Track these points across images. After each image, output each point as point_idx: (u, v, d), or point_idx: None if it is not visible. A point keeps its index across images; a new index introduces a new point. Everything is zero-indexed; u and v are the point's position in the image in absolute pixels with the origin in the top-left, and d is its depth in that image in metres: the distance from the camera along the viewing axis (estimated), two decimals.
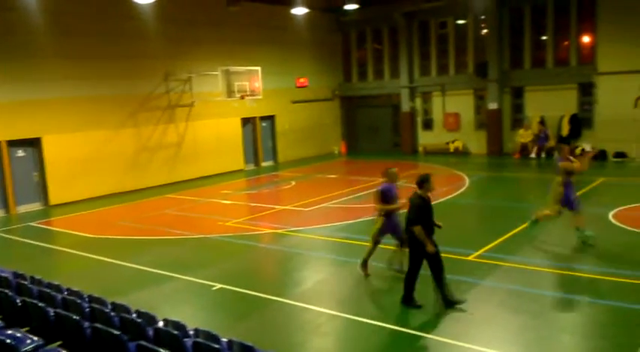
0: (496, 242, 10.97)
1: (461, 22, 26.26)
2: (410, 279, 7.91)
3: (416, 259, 7.82)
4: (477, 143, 25.81)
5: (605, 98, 22.25)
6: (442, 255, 9.20)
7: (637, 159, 21.12)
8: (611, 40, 21.70)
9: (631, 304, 7.71)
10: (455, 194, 16.48)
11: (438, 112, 27.01)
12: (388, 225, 9.04)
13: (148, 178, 20.28)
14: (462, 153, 25.73)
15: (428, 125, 27.58)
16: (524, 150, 23.90)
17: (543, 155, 23.35)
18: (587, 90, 23.08)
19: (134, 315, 5.93)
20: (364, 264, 9.34)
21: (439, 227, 8.01)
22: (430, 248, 7.57)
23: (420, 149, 27.27)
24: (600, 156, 22.08)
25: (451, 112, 26.42)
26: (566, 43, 23.76)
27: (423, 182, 7.78)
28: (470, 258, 10.10)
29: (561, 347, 6.80)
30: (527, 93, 24.73)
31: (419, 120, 27.71)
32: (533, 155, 23.53)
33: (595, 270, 9.18)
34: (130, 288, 9.38)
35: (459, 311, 7.69)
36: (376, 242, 9.22)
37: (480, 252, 10.38)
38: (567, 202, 10.42)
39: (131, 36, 19.58)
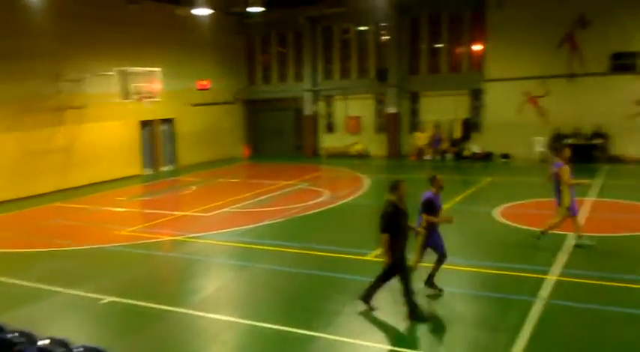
0: None
1: (363, 28, 26.99)
2: (407, 294, 7.45)
3: (395, 268, 7.46)
4: (377, 146, 26.61)
5: (492, 103, 23.84)
6: (341, 256, 9.36)
7: (520, 160, 22.80)
8: (499, 48, 23.32)
9: (514, 295, 8.26)
10: (356, 195, 16.86)
11: (341, 116, 27.57)
12: (430, 239, 8.16)
13: (36, 185, 18.87)
14: (363, 156, 26.41)
15: (330, 128, 28.05)
16: (420, 152, 24.99)
17: (438, 157, 24.59)
18: (476, 96, 24.60)
19: (12, 334, 5.43)
20: (430, 283, 8.33)
21: (417, 233, 7.92)
22: (389, 259, 7.33)
23: (323, 152, 27.67)
24: (487, 157, 23.67)
25: (353, 116, 27.04)
26: (459, 50, 25.17)
27: (395, 188, 7.43)
28: (368, 257, 10.34)
29: (452, 337, 7.16)
30: (424, 98, 25.90)
31: (322, 123, 28.11)
32: (428, 157, 24.68)
33: (482, 264, 9.71)
34: (8, 306, 8.63)
35: (358, 310, 7.83)
36: (421, 257, 8.32)
37: (378, 251, 10.62)
38: (572, 207, 10.18)
39: (17, 32, 18.10)
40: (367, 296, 7.84)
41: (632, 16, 21.09)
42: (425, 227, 8.05)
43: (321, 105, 28.05)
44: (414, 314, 7.45)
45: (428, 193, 8.17)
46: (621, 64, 21.36)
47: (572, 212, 10.26)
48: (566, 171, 10.11)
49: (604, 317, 7.49)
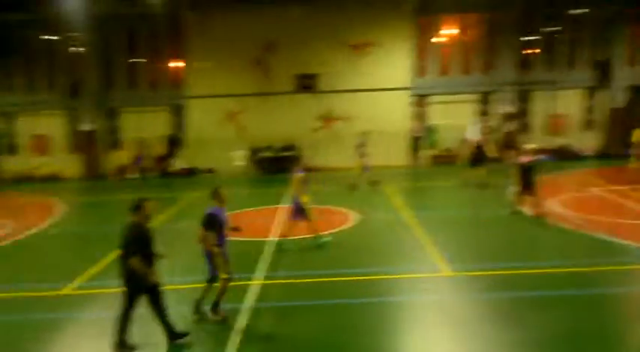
0: (93, 270, 10.14)
1: (52, 38, 24.18)
2: (124, 320, 6.77)
3: (133, 296, 6.74)
4: (71, 166, 24.29)
5: (194, 120, 24.12)
6: (22, 294, 8.07)
7: (224, 173, 23.53)
8: (199, 66, 23.72)
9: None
10: (46, 224, 14.79)
11: (25, 135, 24.56)
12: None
13: None
14: (55, 178, 23.85)
15: (12, 149, 24.60)
16: (122, 171, 23.66)
17: (142, 175, 23.56)
18: (179, 113, 24.54)
19: None
20: (215, 308, 7.66)
21: (162, 257, 6.96)
22: (153, 277, 6.66)
23: (3, 175, 23.93)
24: (192, 172, 23.83)
25: (40, 134, 24.17)
26: (158, 66, 24.65)
27: (138, 207, 6.74)
28: (64, 291, 9.04)
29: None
30: (123, 115, 24.74)
31: (1, 143, 24.33)
32: (132, 175, 23.48)
33: (196, 280, 9.38)
34: None
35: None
36: (230, 277, 7.58)
37: (76, 283, 9.42)
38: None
39: None
40: (172, 334, 6.94)
41: (312, 42, 23.79)
42: (216, 244, 7.48)
43: (1, 123, 24.31)
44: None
45: (211, 208, 7.65)
46: (304, 83, 23.99)
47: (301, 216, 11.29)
48: (299, 178, 11.40)
49: (287, 312, 7.91)
